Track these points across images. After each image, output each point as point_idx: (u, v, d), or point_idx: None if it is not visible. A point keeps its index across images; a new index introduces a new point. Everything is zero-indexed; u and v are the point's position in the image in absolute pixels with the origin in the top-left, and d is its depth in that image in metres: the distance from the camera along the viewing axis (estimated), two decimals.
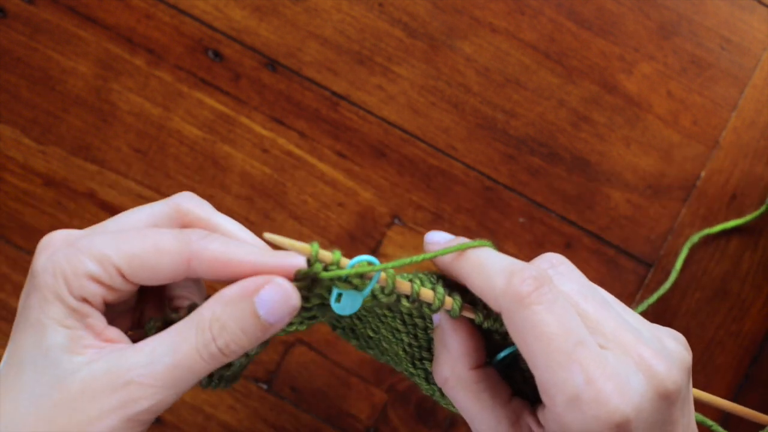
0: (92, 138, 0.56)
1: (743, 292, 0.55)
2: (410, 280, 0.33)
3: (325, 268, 0.31)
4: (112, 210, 0.56)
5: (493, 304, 0.31)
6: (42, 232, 0.56)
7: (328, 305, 0.33)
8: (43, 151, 0.57)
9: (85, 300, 0.31)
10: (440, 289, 0.33)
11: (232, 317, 0.30)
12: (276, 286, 0.30)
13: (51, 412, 0.29)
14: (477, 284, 0.32)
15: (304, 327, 0.35)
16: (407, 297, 0.32)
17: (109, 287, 0.31)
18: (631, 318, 0.32)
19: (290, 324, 0.35)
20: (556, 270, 0.32)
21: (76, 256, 0.30)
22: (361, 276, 0.32)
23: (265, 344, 0.42)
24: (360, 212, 0.56)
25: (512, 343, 0.34)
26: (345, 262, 0.32)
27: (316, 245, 0.31)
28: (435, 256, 0.33)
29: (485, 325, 0.33)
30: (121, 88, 0.57)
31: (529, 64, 0.56)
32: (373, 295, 0.33)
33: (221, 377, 0.36)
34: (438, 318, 0.35)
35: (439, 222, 0.55)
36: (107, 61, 0.57)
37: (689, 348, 0.33)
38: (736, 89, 0.56)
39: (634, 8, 0.56)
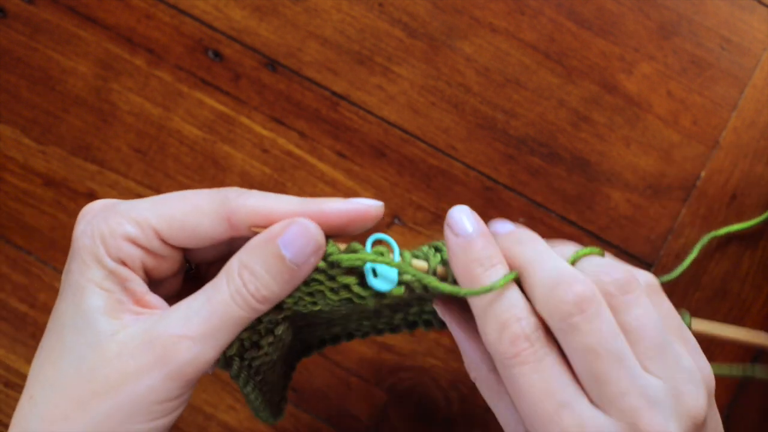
0: (92, 138, 0.56)
1: (743, 292, 0.55)
2: (425, 256, 0.34)
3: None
4: None
5: (489, 351, 0.31)
6: (42, 232, 0.56)
7: (354, 302, 0.34)
8: (43, 151, 0.57)
9: (123, 263, 0.31)
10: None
11: (258, 261, 0.30)
12: (298, 226, 0.30)
13: (89, 374, 0.29)
14: (477, 324, 0.32)
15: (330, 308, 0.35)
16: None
17: (147, 250, 0.31)
18: (660, 368, 0.30)
19: (323, 299, 0.34)
20: (584, 315, 0.29)
21: (114, 218, 0.31)
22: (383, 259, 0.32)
23: (285, 335, 0.41)
24: None
25: None
26: (360, 247, 0.32)
27: (330, 242, 0.32)
28: (468, 294, 0.32)
29: None
30: (121, 88, 0.57)
31: (529, 64, 0.56)
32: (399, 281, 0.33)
33: (250, 362, 0.36)
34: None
35: (439, 222, 0.55)
36: (107, 61, 0.57)
37: (712, 389, 0.32)
38: (736, 89, 0.56)
39: (634, 8, 0.56)
